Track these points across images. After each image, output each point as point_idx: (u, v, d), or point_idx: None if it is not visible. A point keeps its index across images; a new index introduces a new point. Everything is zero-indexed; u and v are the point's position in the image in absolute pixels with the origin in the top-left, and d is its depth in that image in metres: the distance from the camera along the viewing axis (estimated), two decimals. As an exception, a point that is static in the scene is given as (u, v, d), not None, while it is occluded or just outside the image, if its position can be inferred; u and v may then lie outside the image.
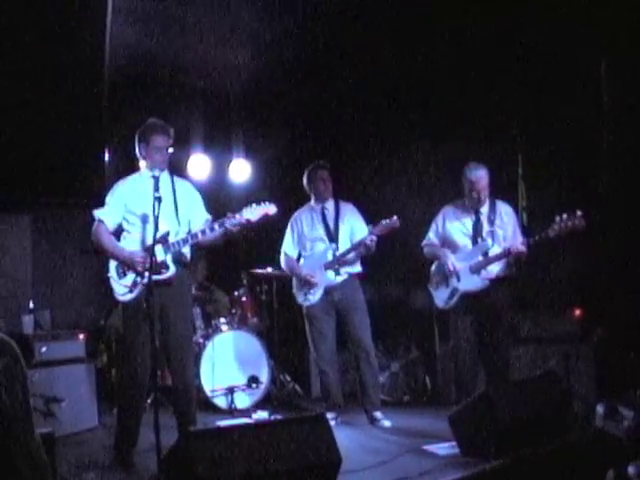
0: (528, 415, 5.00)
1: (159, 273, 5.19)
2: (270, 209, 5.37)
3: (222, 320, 7.60)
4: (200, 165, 8.65)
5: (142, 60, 7.40)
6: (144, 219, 5.23)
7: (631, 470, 3.67)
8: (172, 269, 5.27)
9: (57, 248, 8.08)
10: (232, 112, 9.02)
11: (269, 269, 7.68)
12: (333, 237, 6.60)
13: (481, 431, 4.96)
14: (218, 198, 7.62)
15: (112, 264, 5.32)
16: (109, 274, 5.33)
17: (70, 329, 6.87)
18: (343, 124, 8.47)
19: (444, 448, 5.32)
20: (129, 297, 5.26)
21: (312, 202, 6.80)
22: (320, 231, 6.66)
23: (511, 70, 7.07)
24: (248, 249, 8.96)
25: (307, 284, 6.57)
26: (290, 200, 6.92)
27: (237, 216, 5.26)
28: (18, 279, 7.46)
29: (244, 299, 7.92)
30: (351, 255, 6.50)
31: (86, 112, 6.88)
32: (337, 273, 6.53)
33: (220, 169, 8.98)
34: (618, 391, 5.87)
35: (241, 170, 9.09)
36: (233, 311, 7.80)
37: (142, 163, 5.52)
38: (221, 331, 7.43)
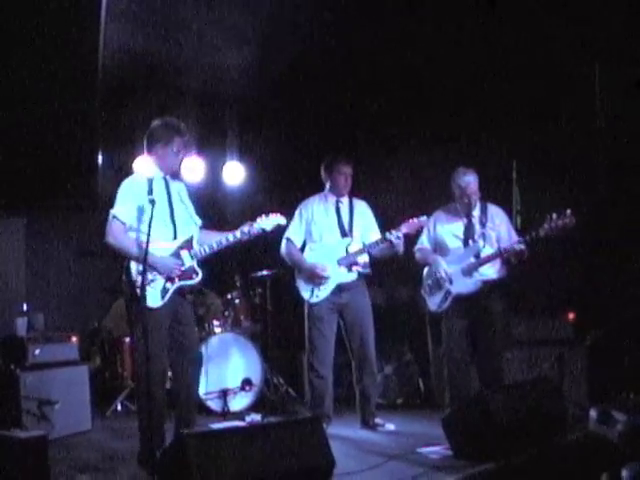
0: (522, 418, 5.01)
1: (190, 278, 5.18)
2: (281, 220, 5.44)
3: (215, 323, 7.60)
4: (194, 168, 8.64)
5: (136, 62, 7.40)
6: (159, 223, 5.09)
7: (625, 473, 3.67)
8: (200, 274, 5.23)
9: (51, 250, 8.08)
10: (226, 115, 9.02)
11: (263, 272, 7.67)
12: (347, 232, 6.39)
13: (474, 434, 4.97)
14: (212, 201, 7.63)
15: (134, 269, 5.02)
16: (132, 279, 5.01)
17: (63, 331, 6.84)
18: (338, 127, 8.48)
19: (437, 451, 5.32)
20: (159, 304, 5.06)
21: (326, 192, 6.55)
22: (333, 223, 6.42)
23: (506, 76, 7.08)
24: (241, 252, 8.96)
25: (317, 277, 6.29)
26: (284, 203, 6.90)
27: (255, 225, 5.31)
28: (12, 281, 7.45)
29: (237, 302, 7.90)
30: (365, 254, 6.32)
31: (79, 114, 6.87)
32: (349, 270, 6.29)
33: (214, 172, 8.97)
34: (611, 394, 5.88)
35: (235, 173, 9.08)
36: (226, 314, 7.78)
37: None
38: (214, 333, 7.43)
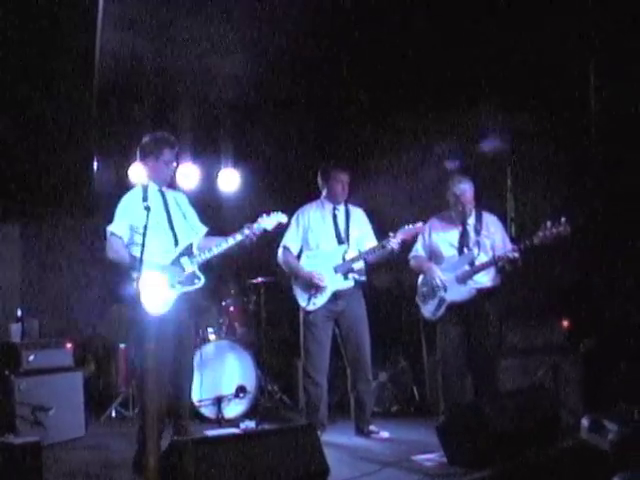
0: (516, 426, 5.01)
1: (192, 284, 5.25)
2: (282, 218, 5.56)
3: (210, 330, 7.59)
4: (189, 174, 8.62)
5: (131, 68, 7.39)
6: (159, 231, 5.20)
7: (616, 482, 3.69)
8: (203, 278, 5.31)
9: (46, 256, 8.06)
10: (221, 121, 9.01)
11: (258, 279, 7.67)
12: (343, 239, 6.38)
13: (469, 441, 4.97)
14: (208, 208, 7.60)
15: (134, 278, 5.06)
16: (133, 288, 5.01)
17: (58, 337, 6.84)
18: (333, 133, 8.48)
19: (432, 458, 5.32)
20: (163, 311, 5.13)
21: (322, 199, 6.55)
22: (330, 230, 6.41)
23: (503, 78, 7.08)
24: (236, 259, 8.95)
25: (314, 285, 6.28)
26: (280, 209, 6.90)
27: (255, 226, 5.39)
28: (6, 287, 7.44)
29: (232, 309, 7.91)
30: (361, 261, 6.31)
31: (75, 121, 6.87)
32: (345, 277, 6.29)
33: (209, 178, 8.95)
34: (605, 402, 5.89)
35: (230, 179, 9.07)
36: (221, 321, 7.78)
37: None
38: (209, 341, 7.42)
